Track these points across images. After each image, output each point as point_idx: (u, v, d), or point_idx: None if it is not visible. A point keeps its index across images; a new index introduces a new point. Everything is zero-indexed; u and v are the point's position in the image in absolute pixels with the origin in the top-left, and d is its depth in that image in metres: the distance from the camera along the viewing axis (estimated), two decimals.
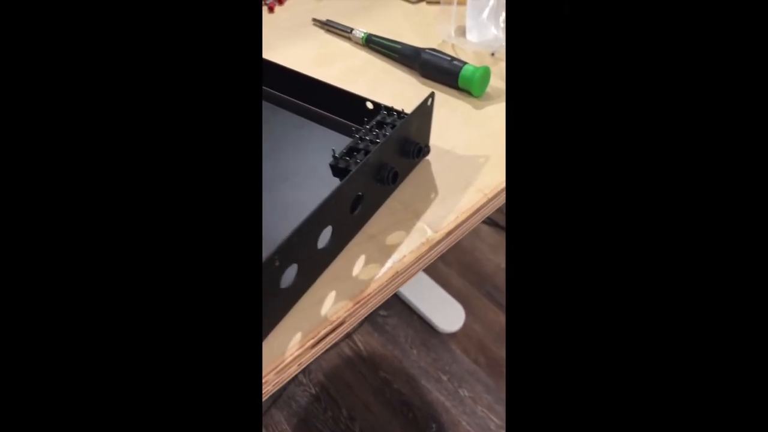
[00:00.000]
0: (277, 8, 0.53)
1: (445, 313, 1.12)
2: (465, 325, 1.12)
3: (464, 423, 1.00)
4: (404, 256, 0.31)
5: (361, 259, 0.30)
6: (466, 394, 1.04)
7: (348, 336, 1.12)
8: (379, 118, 0.34)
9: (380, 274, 0.30)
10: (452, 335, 1.12)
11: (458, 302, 1.15)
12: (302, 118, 0.39)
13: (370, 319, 1.14)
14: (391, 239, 0.32)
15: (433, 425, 1.01)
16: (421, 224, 0.32)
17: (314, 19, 0.51)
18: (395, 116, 0.34)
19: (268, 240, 0.30)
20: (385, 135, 0.32)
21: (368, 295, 0.29)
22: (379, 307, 1.15)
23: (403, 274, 0.31)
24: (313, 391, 1.01)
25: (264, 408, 0.98)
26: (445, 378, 1.06)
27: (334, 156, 0.31)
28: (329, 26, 0.49)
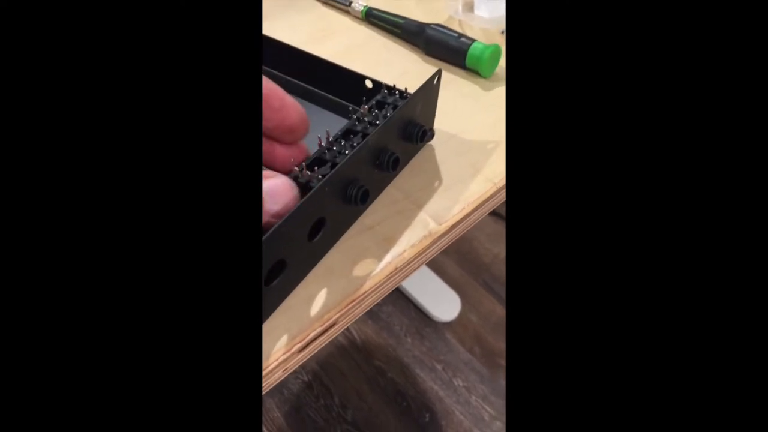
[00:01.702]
0: None
1: (441, 302, 1.10)
2: (461, 314, 1.10)
3: (458, 413, 0.99)
4: (404, 251, 0.28)
5: (357, 253, 0.28)
6: (461, 383, 1.03)
7: None
8: (378, 97, 0.31)
9: (377, 270, 0.27)
10: (447, 324, 1.10)
11: (454, 291, 1.13)
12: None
13: None
14: (390, 231, 0.29)
15: (427, 414, 1.00)
16: (423, 215, 0.30)
17: None
18: (397, 96, 0.31)
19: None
20: (385, 116, 0.29)
21: (363, 293, 0.26)
22: None
23: (403, 271, 0.28)
24: (305, 379, 1.00)
25: None
26: (439, 367, 1.05)
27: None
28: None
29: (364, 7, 0.43)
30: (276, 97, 0.25)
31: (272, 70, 0.38)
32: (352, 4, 0.44)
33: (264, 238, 0.21)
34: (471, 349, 1.07)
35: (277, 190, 0.23)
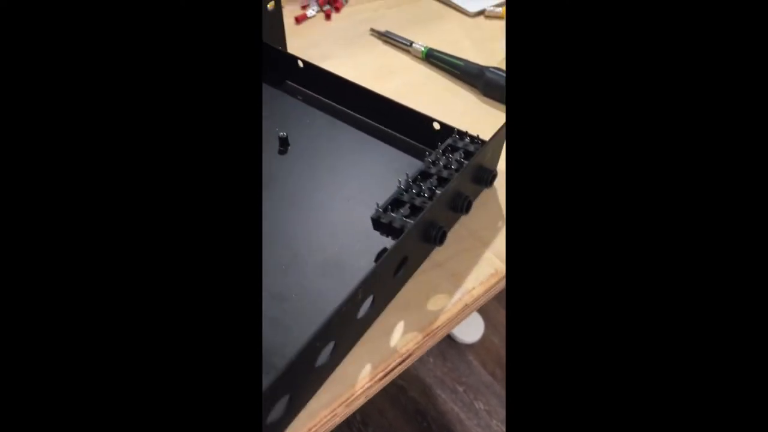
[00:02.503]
0: (334, 16, 0.52)
1: (465, 323, 1.11)
2: (483, 337, 1.11)
3: None
4: (473, 288, 0.30)
5: (430, 288, 0.30)
6: (482, 407, 1.03)
7: None
8: (450, 141, 0.33)
9: (449, 305, 0.29)
10: (470, 346, 1.11)
11: (478, 314, 1.14)
12: (364, 134, 0.38)
13: None
14: (458, 268, 0.31)
15: None
16: (489, 254, 0.31)
17: (372, 29, 0.50)
18: (467, 140, 0.33)
19: (340, 260, 0.29)
20: (458, 161, 0.31)
21: (438, 327, 0.28)
22: None
23: (472, 306, 0.30)
24: None
25: None
26: (461, 389, 1.05)
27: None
28: (388, 38, 0.48)
29: (425, 48, 0.46)
30: None
31: (341, 107, 0.40)
32: (413, 45, 0.47)
33: (361, 280, 0.23)
34: (493, 372, 1.07)
35: None
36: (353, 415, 1.02)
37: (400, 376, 1.08)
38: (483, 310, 1.15)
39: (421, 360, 1.11)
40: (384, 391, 1.05)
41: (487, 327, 1.11)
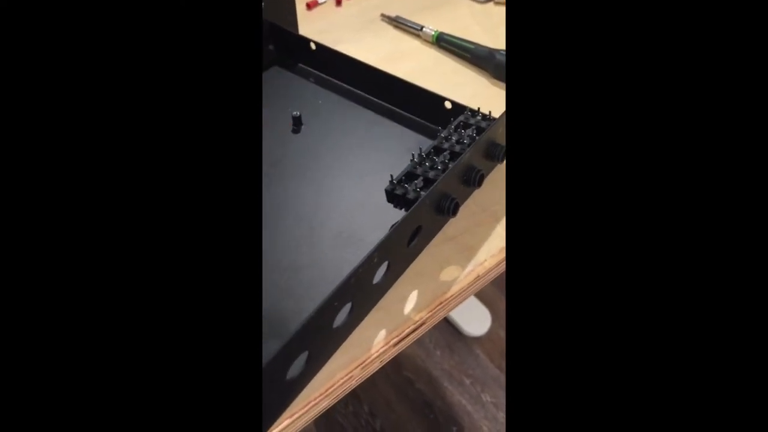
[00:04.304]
0: (345, 2, 0.53)
1: (472, 316, 1.11)
2: (491, 330, 1.11)
3: (485, 428, 1.00)
4: (485, 260, 0.30)
5: (442, 260, 0.30)
6: (489, 399, 1.03)
7: None
8: (462, 118, 0.33)
9: (462, 276, 0.30)
10: (477, 339, 1.11)
11: (485, 307, 1.14)
12: (376, 115, 0.39)
13: None
14: (470, 241, 0.31)
15: (454, 428, 1.00)
16: (500, 229, 0.32)
17: (383, 15, 0.50)
18: (479, 118, 0.33)
19: (353, 233, 0.30)
20: (471, 136, 0.32)
21: (450, 296, 0.29)
22: None
23: (483, 278, 0.30)
24: None
25: None
26: (468, 381, 1.06)
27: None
28: (398, 23, 0.49)
29: (435, 32, 0.46)
30: None
31: (353, 89, 0.41)
32: (423, 29, 0.47)
33: (377, 244, 0.24)
34: (500, 366, 1.08)
35: None
36: (361, 406, 1.02)
37: (408, 369, 1.09)
38: (490, 304, 1.15)
39: (429, 353, 1.11)
40: (391, 383, 1.06)
41: (494, 320, 1.11)
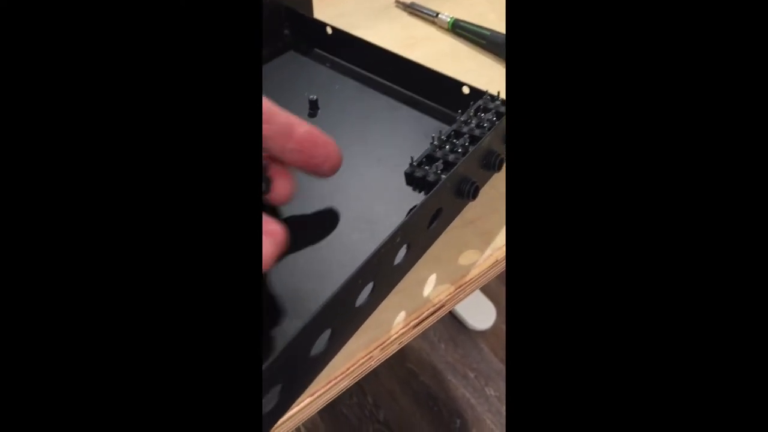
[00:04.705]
0: None
1: (477, 310, 1.11)
2: (495, 324, 1.11)
3: (488, 421, 1.00)
4: (503, 245, 0.30)
5: (461, 244, 0.30)
6: (492, 393, 1.04)
7: None
8: (480, 103, 0.33)
9: (480, 260, 0.29)
10: (481, 333, 1.11)
11: (490, 301, 1.14)
12: (393, 100, 0.39)
13: None
14: (489, 226, 0.31)
15: (458, 420, 1.01)
16: None
17: (397, 1, 0.50)
18: (498, 102, 0.33)
19: (372, 216, 0.30)
20: (490, 120, 0.32)
21: (469, 280, 0.29)
22: None
23: (502, 262, 0.30)
24: None
25: None
26: (471, 375, 1.06)
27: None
28: (414, 9, 0.49)
29: (451, 18, 0.46)
30: (319, 135, 0.27)
31: (368, 73, 0.40)
32: (439, 16, 0.47)
33: (399, 224, 0.23)
34: (504, 360, 1.08)
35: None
36: (365, 398, 1.03)
37: (411, 361, 1.09)
38: (495, 298, 1.15)
39: (433, 345, 1.11)
40: (395, 375, 1.06)
41: (498, 314, 1.11)
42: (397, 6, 0.50)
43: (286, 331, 0.24)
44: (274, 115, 0.26)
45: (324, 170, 0.27)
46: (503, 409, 1.00)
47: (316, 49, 0.43)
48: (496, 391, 1.03)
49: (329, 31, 0.41)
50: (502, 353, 1.06)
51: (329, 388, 0.24)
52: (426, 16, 0.48)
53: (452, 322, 1.13)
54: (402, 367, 1.07)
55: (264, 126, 0.25)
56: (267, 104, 0.25)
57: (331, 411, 0.98)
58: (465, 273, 0.29)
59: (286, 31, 0.43)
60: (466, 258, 0.29)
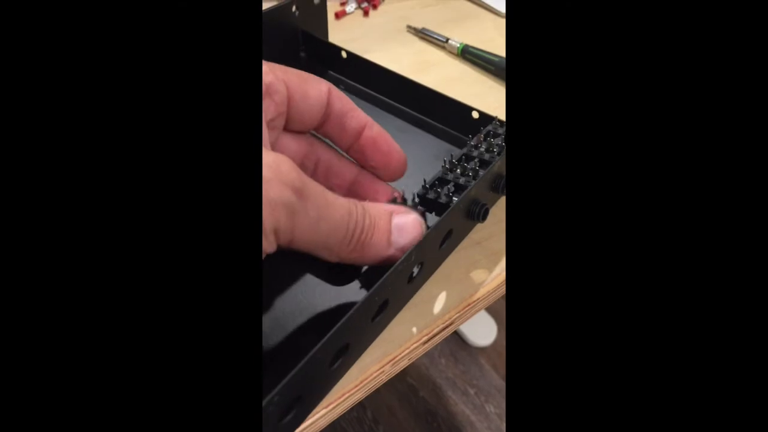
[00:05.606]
0: (372, 13, 0.54)
1: (478, 326, 1.12)
2: (496, 340, 1.11)
3: None
4: None
5: (470, 263, 0.31)
6: (492, 410, 1.04)
7: None
8: (490, 128, 0.35)
9: (489, 279, 0.31)
10: (482, 349, 1.11)
11: (491, 317, 1.15)
12: (404, 122, 0.40)
13: None
14: (496, 246, 0.32)
15: None
16: None
17: (409, 26, 0.52)
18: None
19: None
20: (499, 145, 0.33)
21: (478, 298, 0.30)
22: None
23: None
24: None
25: None
26: (472, 391, 1.06)
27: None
28: (424, 34, 0.50)
29: (461, 44, 0.48)
30: (385, 142, 0.29)
31: (379, 95, 0.42)
32: (449, 41, 0.49)
33: (415, 245, 0.25)
34: (505, 377, 1.08)
35: (407, 227, 0.25)
36: (365, 413, 1.03)
37: (411, 376, 1.09)
38: (496, 314, 1.16)
39: (433, 361, 1.12)
40: (395, 390, 1.06)
41: (500, 331, 1.12)
42: (408, 31, 0.52)
43: (302, 345, 0.25)
44: (353, 110, 0.29)
45: (383, 175, 0.30)
46: (503, 426, 1.00)
47: (331, 72, 0.44)
48: (496, 408, 1.03)
49: (344, 54, 0.43)
50: (503, 370, 1.07)
51: (343, 400, 0.25)
52: (436, 41, 0.50)
53: (453, 337, 1.14)
54: (402, 382, 1.07)
55: (341, 120, 0.28)
56: (345, 99, 0.29)
57: (330, 425, 0.98)
58: (474, 291, 0.30)
59: (303, 54, 0.45)
60: (474, 277, 0.31)
